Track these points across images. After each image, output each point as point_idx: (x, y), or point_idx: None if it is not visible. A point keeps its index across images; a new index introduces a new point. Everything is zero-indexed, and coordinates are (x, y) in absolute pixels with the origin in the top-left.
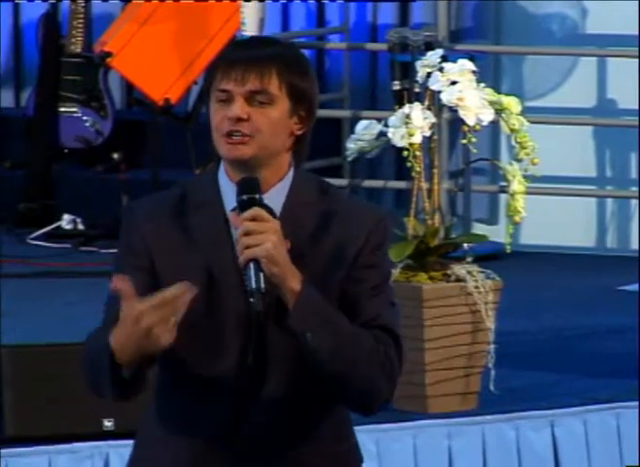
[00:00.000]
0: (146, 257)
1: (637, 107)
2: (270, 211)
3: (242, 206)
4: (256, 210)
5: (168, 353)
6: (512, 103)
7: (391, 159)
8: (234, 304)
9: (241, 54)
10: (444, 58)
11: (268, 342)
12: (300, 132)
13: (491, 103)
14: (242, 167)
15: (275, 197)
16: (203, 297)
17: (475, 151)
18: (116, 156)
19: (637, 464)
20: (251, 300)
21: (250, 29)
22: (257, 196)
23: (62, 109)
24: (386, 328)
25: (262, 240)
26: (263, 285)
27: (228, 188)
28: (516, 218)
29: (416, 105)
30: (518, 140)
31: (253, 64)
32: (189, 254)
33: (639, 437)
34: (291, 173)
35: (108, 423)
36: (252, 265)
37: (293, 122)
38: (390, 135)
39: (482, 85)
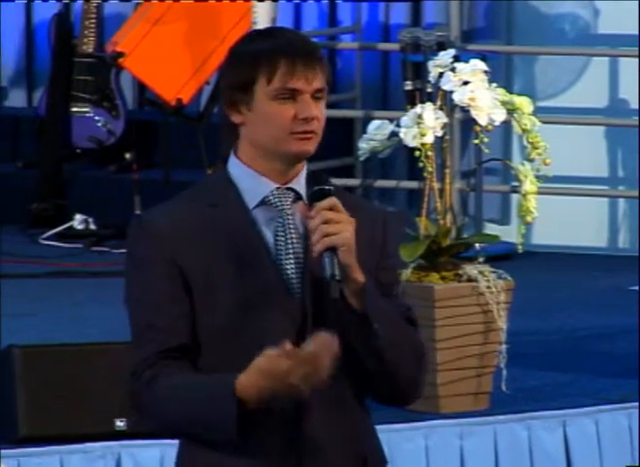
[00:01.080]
0: (172, 264)
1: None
2: None
3: (312, 198)
4: (333, 200)
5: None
6: (524, 103)
7: (403, 159)
8: (275, 287)
9: (294, 49)
10: (457, 58)
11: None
12: None
13: (503, 103)
14: (292, 162)
15: (298, 184)
16: (238, 283)
17: (487, 151)
18: (128, 156)
19: (637, 464)
20: (331, 287)
21: None
22: (329, 187)
23: (74, 109)
24: (414, 321)
25: (341, 229)
26: (338, 272)
27: (252, 180)
28: (528, 218)
29: (428, 105)
30: (530, 140)
31: (313, 60)
32: (216, 250)
33: (639, 437)
34: (306, 163)
35: (120, 423)
36: (329, 253)
37: None
38: (402, 135)
39: (494, 85)
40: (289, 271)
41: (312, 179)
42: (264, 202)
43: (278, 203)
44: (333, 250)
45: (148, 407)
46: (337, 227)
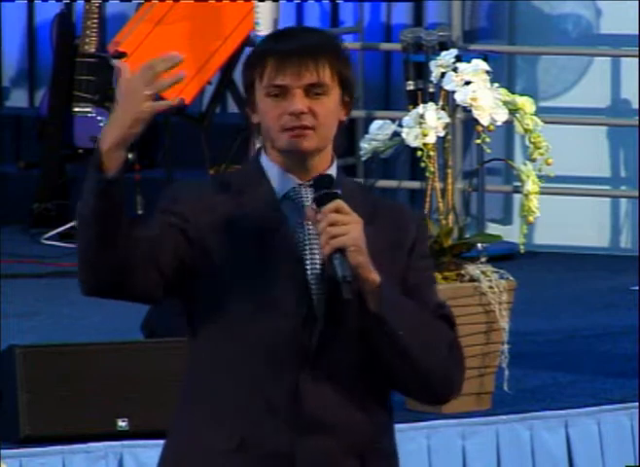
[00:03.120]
0: (191, 225)
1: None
2: None
3: (319, 201)
4: (339, 202)
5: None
6: (526, 103)
7: (405, 159)
8: (292, 272)
9: (290, 46)
10: (459, 58)
11: (328, 335)
12: (344, 118)
13: (505, 103)
14: (299, 157)
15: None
16: (257, 267)
17: (489, 151)
18: (130, 156)
19: (637, 464)
20: (342, 288)
21: (264, 30)
22: (336, 190)
23: (76, 109)
24: (448, 318)
25: (348, 230)
26: (349, 274)
27: (276, 174)
28: (530, 218)
29: (430, 105)
30: (532, 140)
31: (307, 56)
32: (240, 230)
33: (639, 437)
34: (335, 160)
35: (122, 423)
36: (338, 254)
37: (340, 108)
38: (404, 135)
39: (496, 85)
40: (308, 270)
41: (318, 182)
42: (287, 196)
43: (299, 200)
44: (342, 251)
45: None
46: (344, 228)
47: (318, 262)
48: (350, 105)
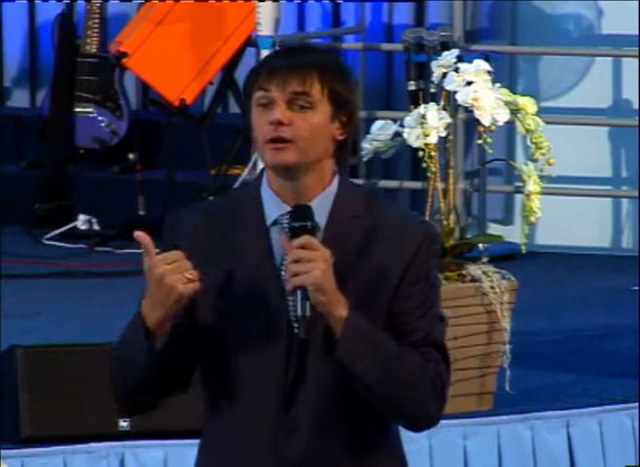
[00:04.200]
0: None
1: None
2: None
3: (294, 233)
4: (306, 238)
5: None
6: (527, 103)
7: (407, 159)
8: (274, 313)
9: (283, 61)
10: (460, 59)
11: (309, 366)
12: (341, 137)
13: (507, 103)
14: (285, 174)
15: (320, 205)
16: (242, 303)
17: (490, 151)
18: (131, 156)
19: (639, 464)
20: (295, 326)
21: (265, 30)
22: (309, 223)
23: (78, 109)
24: (436, 345)
25: (310, 268)
26: (308, 313)
27: (269, 198)
28: (532, 218)
29: (432, 105)
30: (534, 140)
31: (295, 69)
32: (230, 267)
33: (639, 437)
34: (335, 181)
35: (124, 423)
36: (299, 292)
37: (335, 127)
38: (405, 136)
39: (498, 85)
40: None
41: (295, 212)
42: (275, 223)
43: (285, 228)
44: (304, 289)
45: (112, 366)
46: (307, 266)
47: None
48: (349, 126)
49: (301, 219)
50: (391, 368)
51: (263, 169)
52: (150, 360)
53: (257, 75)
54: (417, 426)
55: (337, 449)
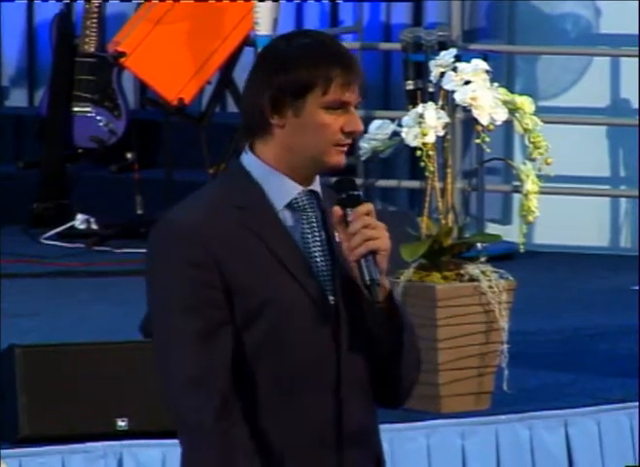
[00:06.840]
0: (214, 269)
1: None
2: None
3: (345, 203)
4: (370, 205)
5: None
6: (525, 103)
7: (405, 158)
8: (310, 290)
9: (349, 62)
10: (458, 58)
11: (349, 337)
12: None
13: (505, 103)
14: (323, 170)
15: (317, 187)
16: (274, 286)
17: (488, 150)
18: (129, 155)
19: (637, 464)
20: (366, 292)
21: (263, 29)
22: (360, 193)
23: (76, 109)
24: None
25: (381, 234)
26: (378, 277)
27: (277, 182)
28: (530, 218)
29: (430, 105)
30: (532, 140)
31: (359, 76)
32: (255, 250)
33: (639, 437)
34: None
35: (122, 423)
36: (370, 257)
37: None
38: (404, 135)
39: (496, 84)
40: (320, 275)
41: (342, 184)
42: (290, 204)
43: (307, 206)
44: (372, 255)
45: (212, 447)
46: (378, 231)
47: (327, 267)
48: None
49: (352, 189)
50: (414, 336)
51: (238, 154)
52: None
53: (328, 75)
54: (401, 400)
55: (369, 420)
